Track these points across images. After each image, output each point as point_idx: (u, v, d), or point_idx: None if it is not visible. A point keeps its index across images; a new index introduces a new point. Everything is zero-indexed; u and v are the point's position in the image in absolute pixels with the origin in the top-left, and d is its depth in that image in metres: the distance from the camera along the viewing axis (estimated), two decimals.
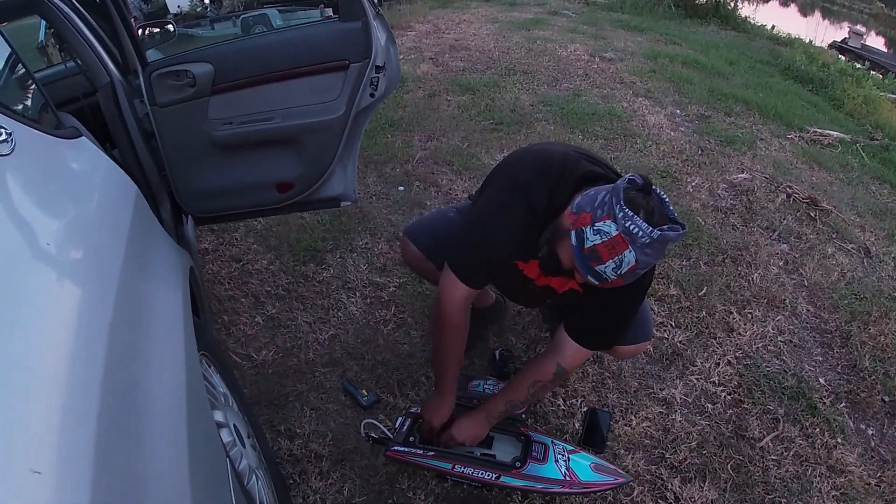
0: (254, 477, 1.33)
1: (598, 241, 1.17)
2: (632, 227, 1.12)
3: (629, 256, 1.15)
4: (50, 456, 0.60)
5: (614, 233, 1.15)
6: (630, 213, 1.13)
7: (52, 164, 1.01)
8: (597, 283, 1.22)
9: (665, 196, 1.20)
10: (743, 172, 3.29)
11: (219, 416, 1.29)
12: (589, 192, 1.23)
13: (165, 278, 1.16)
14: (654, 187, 1.18)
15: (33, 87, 1.16)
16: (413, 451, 1.53)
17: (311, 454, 1.69)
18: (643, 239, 1.12)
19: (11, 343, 0.67)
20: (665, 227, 1.13)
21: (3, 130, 0.86)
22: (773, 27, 8.20)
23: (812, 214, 3.01)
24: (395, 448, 1.54)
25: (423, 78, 4.20)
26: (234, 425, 1.38)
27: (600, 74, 4.42)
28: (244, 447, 1.37)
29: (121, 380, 0.80)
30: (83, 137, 1.16)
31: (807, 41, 7.85)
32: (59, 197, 0.97)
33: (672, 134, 3.64)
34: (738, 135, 3.72)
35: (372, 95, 1.68)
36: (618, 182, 1.18)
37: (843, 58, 7.97)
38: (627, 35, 5.90)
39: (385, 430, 1.58)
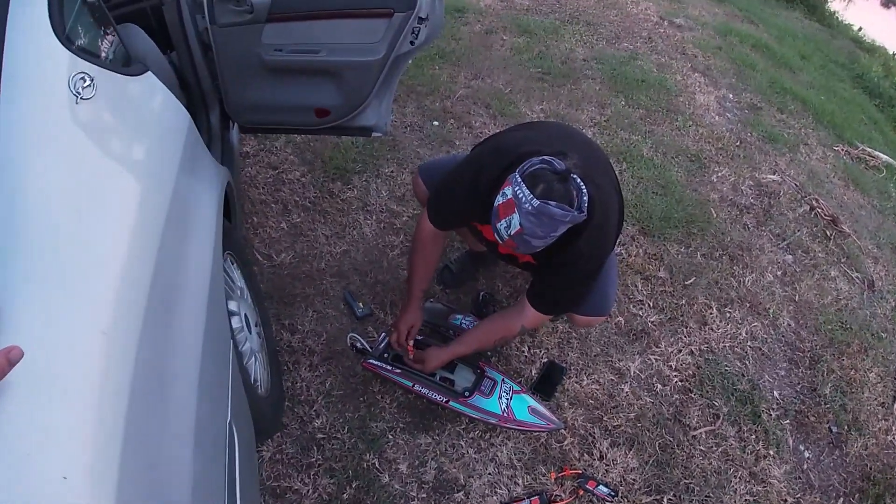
0: (253, 358, 1.62)
1: (500, 202, 1.40)
2: (518, 193, 1.34)
3: (515, 220, 1.36)
4: (110, 316, 0.87)
5: (509, 195, 1.36)
6: (519, 180, 1.34)
7: (125, 100, 1.23)
8: (499, 240, 1.44)
9: (586, 191, 1.38)
10: (774, 174, 3.31)
11: (232, 305, 1.56)
12: None
13: (207, 188, 1.40)
14: (575, 179, 1.36)
15: (112, 31, 1.36)
16: (384, 366, 1.82)
17: (306, 348, 1.99)
18: (526, 206, 1.32)
19: (95, 221, 0.95)
20: (552, 202, 1.31)
21: (86, 76, 1.07)
22: (859, 29, 7.56)
23: (828, 233, 3.03)
24: (371, 361, 1.83)
25: (484, 12, 4.18)
26: (245, 314, 1.65)
27: (664, 41, 4.32)
28: (250, 333, 1.65)
29: (168, 261, 1.08)
30: (148, 73, 1.37)
31: (891, 52, 7.27)
32: (130, 124, 1.21)
33: (716, 118, 3.63)
34: (784, 135, 3.67)
35: (412, 43, 1.80)
36: (535, 159, 1.37)
37: None
38: (705, 3, 5.62)
39: (366, 344, 1.86)
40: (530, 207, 1.32)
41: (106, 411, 0.78)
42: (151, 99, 1.37)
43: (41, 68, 1.01)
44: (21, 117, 0.94)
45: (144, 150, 1.21)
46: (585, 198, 1.37)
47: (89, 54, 1.16)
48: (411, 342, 1.82)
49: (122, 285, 0.92)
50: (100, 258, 0.93)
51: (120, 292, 0.91)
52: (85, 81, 1.06)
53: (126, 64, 1.34)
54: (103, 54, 1.26)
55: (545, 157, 1.37)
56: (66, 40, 1.08)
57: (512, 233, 1.38)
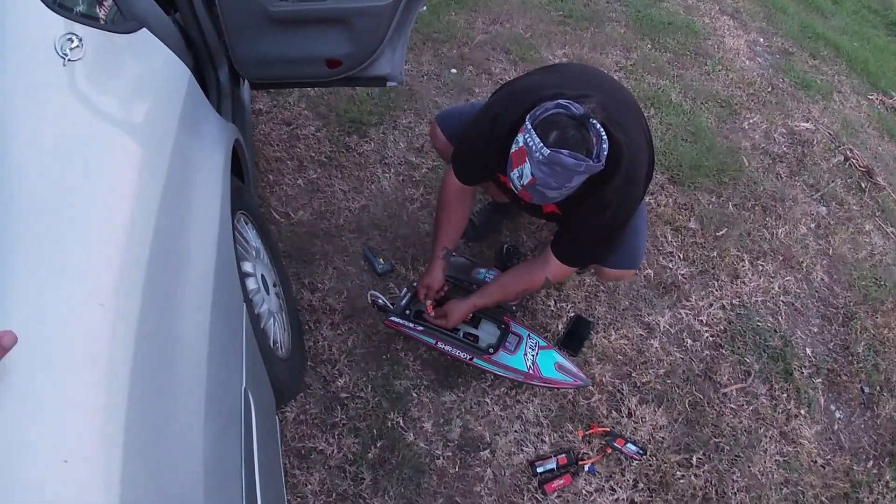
0: (271, 320, 1.58)
1: (514, 149, 1.32)
2: (528, 141, 1.25)
3: (527, 169, 1.28)
4: (108, 287, 0.83)
5: (521, 143, 1.29)
6: (529, 128, 1.26)
7: (117, 59, 1.16)
8: (514, 189, 1.37)
9: (608, 137, 1.29)
10: (807, 122, 3.16)
11: (247, 266, 1.51)
12: None
13: (211, 147, 1.33)
14: (594, 123, 1.26)
15: None
16: (406, 323, 1.77)
17: (326, 307, 1.95)
18: (536, 154, 1.24)
19: (89, 180, 0.92)
20: (565, 151, 1.21)
21: (74, 37, 1.02)
22: None
23: (863, 185, 2.90)
24: (392, 318, 1.78)
25: None
26: (262, 275, 1.61)
27: None
28: (267, 294, 1.61)
29: (169, 224, 1.03)
30: (143, 29, 1.29)
31: None
32: (124, 83, 1.14)
33: (747, 63, 3.45)
34: (817, 81, 3.49)
35: None
36: (549, 104, 1.27)
37: None
38: None
39: (387, 301, 1.81)
40: (540, 156, 1.24)
41: (107, 388, 0.75)
42: (146, 56, 1.30)
43: (25, 32, 0.97)
44: (7, 83, 0.89)
45: (140, 109, 1.15)
46: (605, 146, 1.28)
47: (82, 16, 1.10)
48: (430, 302, 1.77)
49: (118, 253, 0.88)
50: (93, 226, 0.88)
51: (117, 261, 0.87)
52: (73, 42, 1.01)
53: (120, 23, 1.26)
54: (101, 17, 1.19)
55: (561, 102, 1.28)
56: (55, 4, 1.03)
57: (525, 182, 1.31)
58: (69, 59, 0.99)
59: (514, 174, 1.33)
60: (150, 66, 1.30)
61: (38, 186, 0.84)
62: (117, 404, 0.74)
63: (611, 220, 1.48)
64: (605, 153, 1.29)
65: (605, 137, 1.29)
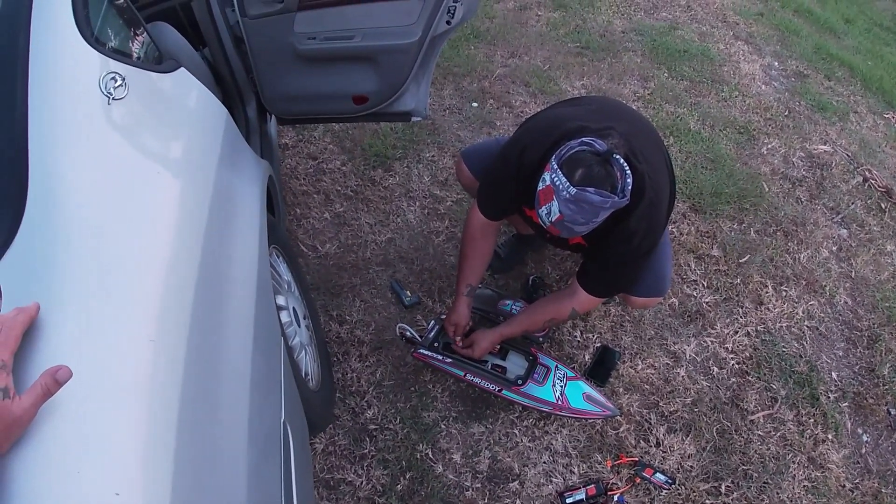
0: (303, 352, 1.62)
1: (541, 187, 1.36)
2: (555, 180, 1.29)
3: (554, 207, 1.32)
4: (157, 322, 0.86)
5: (548, 181, 1.32)
6: (555, 167, 1.29)
7: (158, 98, 1.20)
8: (543, 225, 1.41)
9: (631, 170, 1.32)
10: (825, 144, 3.17)
11: (280, 300, 1.55)
12: None
13: (249, 183, 1.39)
14: (617, 158, 1.30)
15: (142, 30, 1.33)
16: (435, 355, 1.80)
17: (355, 339, 1.98)
18: (563, 193, 1.28)
19: (135, 224, 0.95)
20: (591, 189, 1.25)
21: (117, 76, 1.04)
22: None
23: (883, 206, 2.90)
24: (421, 351, 1.81)
25: None
26: (294, 308, 1.65)
27: (703, 9, 4.14)
28: (298, 327, 1.65)
29: (213, 259, 1.06)
30: (181, 69, 1.34)
31: None
32: (166, 121, 1.18)
33: (763, 87, 3.48)
34: (833, 103, 3.51)
35: (448, 23, 1.75)
36: (574, 142, 1.31)
37: None
38: None
39: (415, 334, 1.84)
40: (568, 195, 1.28)
41: (157, 421, 0.77)
42: (186, 95, 1.35)
43: (70, 71, 0.99)
44: (55, 122, 0.91)
45: (182, 148, 1.19)
46: (629, 180, 1.32)
47: (120, 54, 1.13)
48: (458, 339, 1.80)
49: (166, 289, 0.90)
50: (142, 263, 0.90)
51: (165, 296, 0.89)
52: (116, 81, 1.03)
53: (158, 62, 1.31)
54: (135, 54, 1.23)
55: (585, 140, 1.32)
56: (95, 42, 1.05)
57: (553, 219, 1.35)
58: (113, 98, 1.01)
59: (543, 211, 1.37)
60: (189, 104, 1.34)
61: (88, 224, 0.87)
62: (166, 437, 0.76)
63: (637, 249, 1.50)
64: (630, 187, 1.32)
65: (628, 172, 1.32)
